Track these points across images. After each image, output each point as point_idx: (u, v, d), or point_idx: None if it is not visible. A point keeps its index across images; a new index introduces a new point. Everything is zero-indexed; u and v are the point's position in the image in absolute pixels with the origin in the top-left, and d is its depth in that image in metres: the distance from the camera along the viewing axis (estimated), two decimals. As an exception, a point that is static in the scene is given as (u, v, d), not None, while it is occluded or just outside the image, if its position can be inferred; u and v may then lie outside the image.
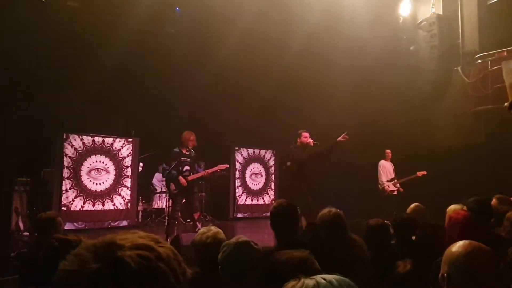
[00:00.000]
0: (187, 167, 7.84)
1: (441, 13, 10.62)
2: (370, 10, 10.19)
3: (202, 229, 3.06)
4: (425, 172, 9.86)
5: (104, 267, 0.75)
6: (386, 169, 10.25)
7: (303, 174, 7.82)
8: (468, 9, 10.33)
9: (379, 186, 10.22)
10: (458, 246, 1.86)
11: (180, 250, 3.41)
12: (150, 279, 0.77)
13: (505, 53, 9.67)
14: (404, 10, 11.16)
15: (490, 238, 3.37)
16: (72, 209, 9.69)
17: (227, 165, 9.01)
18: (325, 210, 3.52)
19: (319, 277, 1.11)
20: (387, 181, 10.01)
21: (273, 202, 12.60)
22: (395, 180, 10.13)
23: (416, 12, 11.19)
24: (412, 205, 5.14)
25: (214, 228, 3.05)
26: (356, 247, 3.44)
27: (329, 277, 1.13)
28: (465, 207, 4.05)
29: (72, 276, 0.75)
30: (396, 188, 10.03)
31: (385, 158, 10.33)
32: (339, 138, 7.53)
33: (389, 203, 9.63)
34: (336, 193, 10.88)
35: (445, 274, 1.82)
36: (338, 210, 3.71)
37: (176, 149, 7.89)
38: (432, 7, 10.69)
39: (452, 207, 4.30)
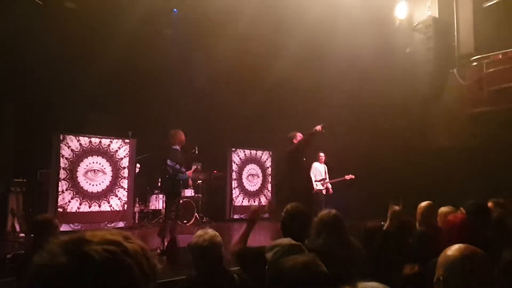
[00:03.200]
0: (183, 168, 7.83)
1: (437, 15, 10.67)
2: (366, 13, 10.22)
3: (199, 232, 3.06)
4: (353, 176, 10.49)
5: (71, 260, 0.80)
6: (317, 170, 10.69)
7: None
8: (463, 12, 10.39)
9: None
10: (453, 249, 1.88)
11: (176, 252, 3.44)
12: (115, 271, 0.82)
13: (500, 56, 9.74)
14: (400, 12, 11.19)
15: (487, 241, 3.39)
16: (68, 210, 9.68)
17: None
18: (325, 211, 3.53)
19: (360, 285, 1.15)
20: (315, 181, 10.49)
21: (268, 203, 12.71)
22: (325, 181, 10.69)
23: (412, 15, 11.22)
24: (425, 203, 4.55)
25: (210, 231, 3.06)
26: (354, 249, 3.46)
27: (369, 284, 1.15)
28: (462, 210, 4.07)
29: (42, 269, 0.81)
30: (324, 188, 10.61)
31: (318, 161, 10.79)
32: (316, 128, 7.96)
33: (317, 201, 10.12)
34: (337, 196, 10.91)
35: (440, 278, 1.84)
36: (336, 211, 3.73)
37: (177, 148, 7.77)
38: (428, 10, 10.74)
39: (443, 209, 4.31)
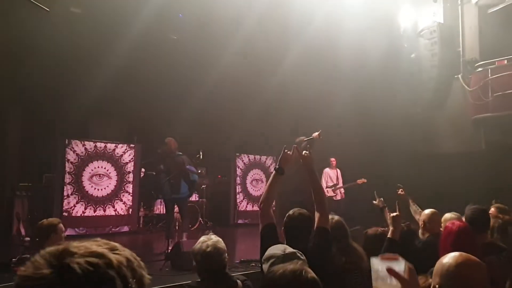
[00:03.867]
0: None
1: (442, 21, 10.65)
2: (371, 18, 10.24)
3: (203, 238, 3.07)
4: (365, 180, 10.37)
5: (53, 272, 0.81)
6: (327, 175, 10.69)
7: None
8: (468, 18, 10.38)
9: None
10: (448, 257, 1.88)
11: (181, 257, 3.46)
12: (96, 284, 0.83)
13: (505, 62, 9.72)
14: (405, 18, 11.20)
15: (487, 247, 3.38)
16: (73, 214, 9.72)
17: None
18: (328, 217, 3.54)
19: None
20: (327, 187, 10.38)
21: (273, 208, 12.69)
22: (336, 186, 10.63)
23: (417, 20, 11.21)
24: (429, 212, 4.44)
25: (214, 237, 3.07)
26: (356, 256, 3.46)
27: None
28: (463, 217, 4.05)
29: (25, 280, 0.82)
30: (334, 194, 10.54)
31: (329, 166, 10.80)
32: (313, 135, 7.93)
33: (332, 208, 9.97)
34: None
35: (436, 286, 1.85)
36: (340, 217, 3.74)
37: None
38: (433, 16, 10.73)
39: (447, 215, 4.28)
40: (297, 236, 3.09)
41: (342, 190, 10.69)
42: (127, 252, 0.92)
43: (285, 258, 2.36)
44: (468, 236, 2.91)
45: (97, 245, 0.89)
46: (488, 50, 10.06)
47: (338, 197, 10.69)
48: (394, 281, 1.59)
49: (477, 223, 3.61)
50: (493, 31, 9.91)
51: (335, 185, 10.63)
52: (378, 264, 1.65)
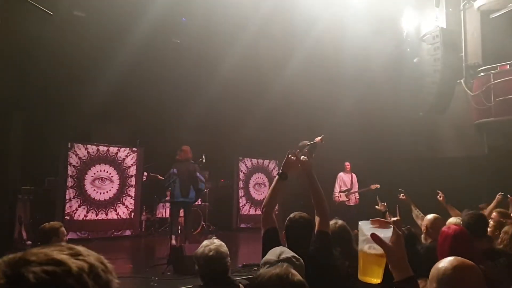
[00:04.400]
0: None
1: (445, 26, 10.66)
2: (374, 23, 10.25)
3: (205, 242, 3.07)
4: (378, 186, 10.30)
5: (7, 282, 0.78)
6: (341, 180, 10.74)
7: None
8: (471, 23, 10.40)
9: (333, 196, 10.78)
10: (444, 262, 1.88)
11: (183, 261, 3.46)
12: None
13: (508, 66, 9.73)
14: (408, 23, 11.21)
15: (485, 251, 3.38)
16: (75, 218, 9.71)
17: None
18: (331, 222, 3.54)
19: None
20: (340, 192, 10.48)
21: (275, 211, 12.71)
22: (350, 191, 10.62)
23: (419, 25, 11.24)
24: (431, 217, 4.37)
25: (217, 241, 3.07)
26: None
27: None
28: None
29: None
30: (347, 199, 10.53)
31: (343, 171, 10.83)
32: (316, 139, 8.03)
33: (340, 211, 9.85)
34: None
35: None
36: (343, 222, 3.74)
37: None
38: (436, 20, 10.75)
39: (452, 220, 4.27)
40: (298, 240, 3.09)
41: (357, 195, 10.59)
42: (92, 257, 0.88)
43: (278, 263, 2.37)
44: (464, 241, 2.90)
45: (58, 251, 0.85)
46: (490, 55, 10.07)
47: (352, 202, 10.61)
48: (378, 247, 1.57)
49: (474, 228, 3.60)
50: (496, 36, 9.92)
51: (348, 190, 10.54)
52: (367, 229, 1.62)
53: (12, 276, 0.78)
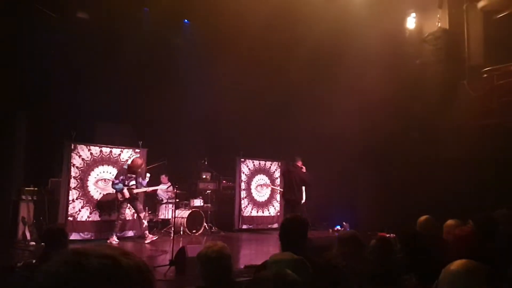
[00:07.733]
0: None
1: (447, 27, 10.64)
2: (376, 24, 10.25)
3: (208, 243, 3.09)
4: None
5: (68, 270, 0.89)
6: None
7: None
8: (474, 23, 10.36)
9: None
10: (455, 264, 1.89)
11: (185, 262, 3.46)
12: (106, 282, 0.91)
13: (511, 68, 9.70)
14: (410, 24, 11.20)
15: (495, 253, 3.38)
16: (78, 219, 9.73)
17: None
18: (342, 229, 3.65)
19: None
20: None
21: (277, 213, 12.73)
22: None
23: (422, 26, 11.21)
24: (422, 218, 4.61)
25: (220, 243, 3.08)
26: (368, 265, 3.48)
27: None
28: (470, 223, 4.05)
29: (46, 277, 0.91)
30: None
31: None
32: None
33: None
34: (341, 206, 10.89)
35: None
36: (354, 230, 3.81)
37: None
38: (438, 21, 10.72)
39: (450, 222, 4.30)
40: (293, 240, 3.14)
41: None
42: (138, 259, 1.00)
43: (292, 263, 2.38)
44: (477, 242, 2.92)
45: (110, 249, 0.97)
46: (493, 55, 10.03)
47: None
48: None
49: (485, 230, 3.61)
50: (499, 37, 9.89)
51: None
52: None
53: (73, 264, 0.90)
